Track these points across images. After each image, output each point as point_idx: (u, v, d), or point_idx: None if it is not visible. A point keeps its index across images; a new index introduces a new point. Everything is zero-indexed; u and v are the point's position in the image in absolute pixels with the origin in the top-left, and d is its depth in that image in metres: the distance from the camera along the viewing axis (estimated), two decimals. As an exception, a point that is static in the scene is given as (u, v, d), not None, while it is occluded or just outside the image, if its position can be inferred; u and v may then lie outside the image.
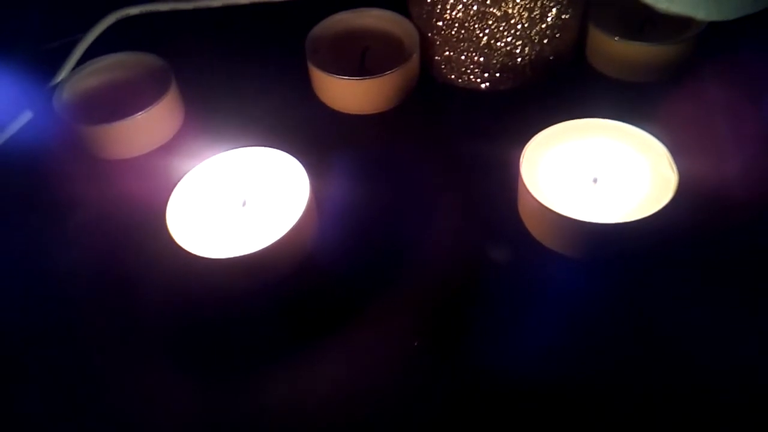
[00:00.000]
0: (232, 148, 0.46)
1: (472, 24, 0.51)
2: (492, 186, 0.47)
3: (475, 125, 0.52)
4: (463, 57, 0.53)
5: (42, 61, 0.57)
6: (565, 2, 0.50)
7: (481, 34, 0.51)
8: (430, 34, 0.53)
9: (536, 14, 0.50)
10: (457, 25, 0.51)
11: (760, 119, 0.50)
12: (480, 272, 0.44)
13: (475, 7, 0.50)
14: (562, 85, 0.54)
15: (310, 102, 0.54)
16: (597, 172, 0.44)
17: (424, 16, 0.53)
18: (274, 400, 0.40)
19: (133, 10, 0.58)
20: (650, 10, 0.47)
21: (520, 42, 0.51)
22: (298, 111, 0.54)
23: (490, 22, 0.50)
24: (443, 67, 0.54)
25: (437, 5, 0.51)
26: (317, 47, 0.54)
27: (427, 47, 0.54)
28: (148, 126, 0.51)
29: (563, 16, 0.51)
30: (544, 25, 0.51)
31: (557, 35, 0.52)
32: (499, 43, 0.51)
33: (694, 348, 0.40)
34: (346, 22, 0.56)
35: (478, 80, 0.54)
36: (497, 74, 0.53)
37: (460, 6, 0.50)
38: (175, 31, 0.60)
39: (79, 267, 0.46)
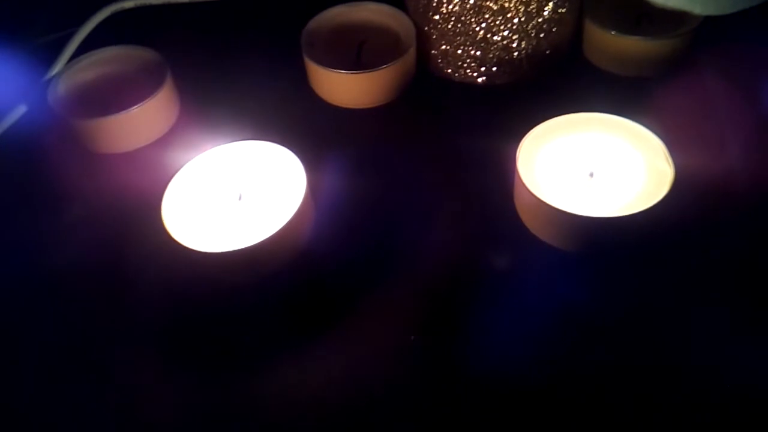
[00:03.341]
0: (228, 142, 0.46)
1: (468, 18, 0.51)
2: (488, 180, 0.47)
3: (471, 119, 0.52)
4: (459, 51, 0.53)
5: (37, 54, 0.56)
6: (561, -4, 0.50)
7: (477, 28, 0.51)
8: (426, 28, 0.53)
9: (533, 8, 0.50)
10: (453, 18, 0.51)
11: (757, 113, 0.50)
12: (476, 266, 0.44)
13: (471, 1, 0.50)
14: (558, 80, 0.53)
15: (306, 96, 0.54)
16: (593, 166, 0.44)
17: (421, 9, 0.53)
18: (268, 394, 0.40)
19: (128, 4, 0.58)
20: (647, 5, 0.47)
21: (516, 36, 0.51)
22: (294, 105, 0.54)
23: (487, 16, 0.50)
24: (440, 61, 0.54)
25: (434, -1, 0.51)
26: (313, 41, 0.54)
27: (423, 41, 0.54)
28: (144, 120, 0.51)
29: (560, 10, 0.51)
30: (540, 19, 0.51)
31: (554, 29, 0.52)
32: (495, 37, 0.51)
33: (690, 342, 0.40)
34: (342, 15, 0.56)
35: (475, 74, 0.54)
36: (494, 68, 0.53)
37: None
38: (170, 25, 0.60)
39: (74, 261, 0.46)
